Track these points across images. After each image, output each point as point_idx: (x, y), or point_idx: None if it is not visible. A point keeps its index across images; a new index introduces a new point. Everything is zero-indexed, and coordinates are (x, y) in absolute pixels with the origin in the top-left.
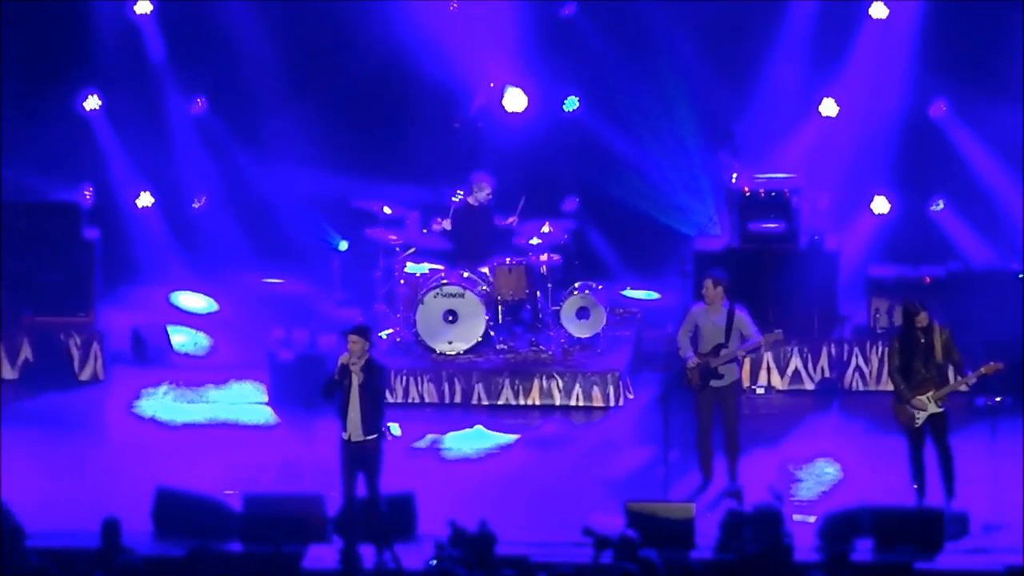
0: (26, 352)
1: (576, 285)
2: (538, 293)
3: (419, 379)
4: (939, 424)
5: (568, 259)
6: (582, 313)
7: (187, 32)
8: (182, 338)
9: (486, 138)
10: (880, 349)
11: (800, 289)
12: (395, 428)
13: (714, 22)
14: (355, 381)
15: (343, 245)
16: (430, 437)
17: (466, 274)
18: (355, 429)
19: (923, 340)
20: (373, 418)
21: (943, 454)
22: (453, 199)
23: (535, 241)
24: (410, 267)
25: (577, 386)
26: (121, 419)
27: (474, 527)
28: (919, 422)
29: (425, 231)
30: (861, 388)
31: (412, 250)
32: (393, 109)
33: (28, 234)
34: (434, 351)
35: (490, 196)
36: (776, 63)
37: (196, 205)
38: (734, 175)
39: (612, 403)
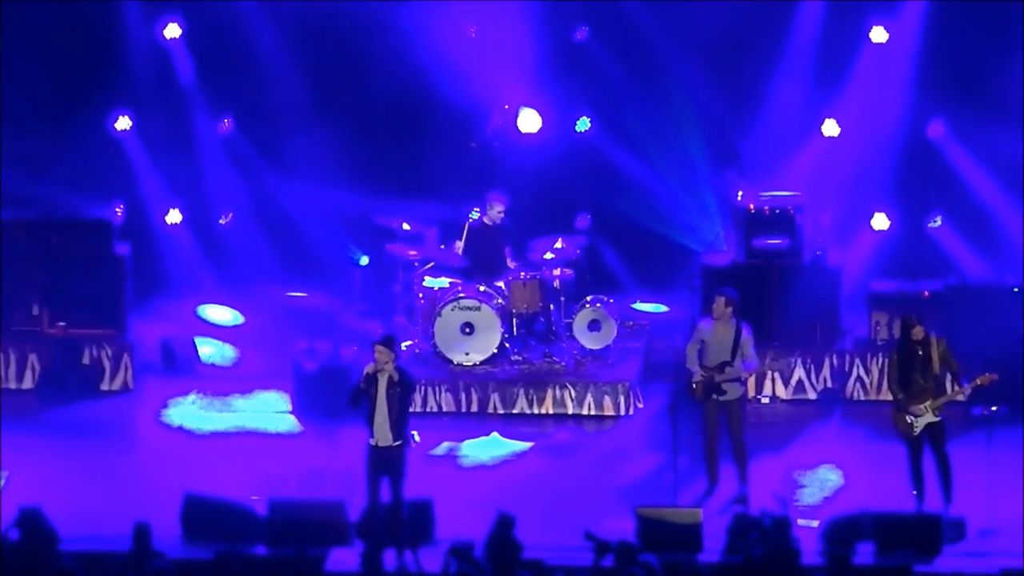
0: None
1: (588, 299)
2: (551, 306)
3: (437, 389)
4: (937, 432)
5: (580, 274)
6: (594, 325)
7: (215, 55)
8: (209, 349)
9: (502, 158)
10: (880, 360)
11: (803, 303)
12: (414, 435)
13: (720, 47)
14: (381, 389)
15: (364, 260)
16: (447, 445)
17: (482, 288)
18: (383, 435)
19: (920, 352)
20: (400, 424)
21: (941, 461)
22: (470, 217)
23: (549, 256)
24: (428, 281)
25: (589, 396)
26: (151, 427)
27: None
28: (917, 430)
29: (443, 247)
30: (862, 398)
31: (431, 264)
32: (412, 130)
33: (62, 250)
34: (451, 362)
35: (502, 214)
36: (780, 86)
37: (223, 221)
38: (739, 193)
39: (622, 412)
